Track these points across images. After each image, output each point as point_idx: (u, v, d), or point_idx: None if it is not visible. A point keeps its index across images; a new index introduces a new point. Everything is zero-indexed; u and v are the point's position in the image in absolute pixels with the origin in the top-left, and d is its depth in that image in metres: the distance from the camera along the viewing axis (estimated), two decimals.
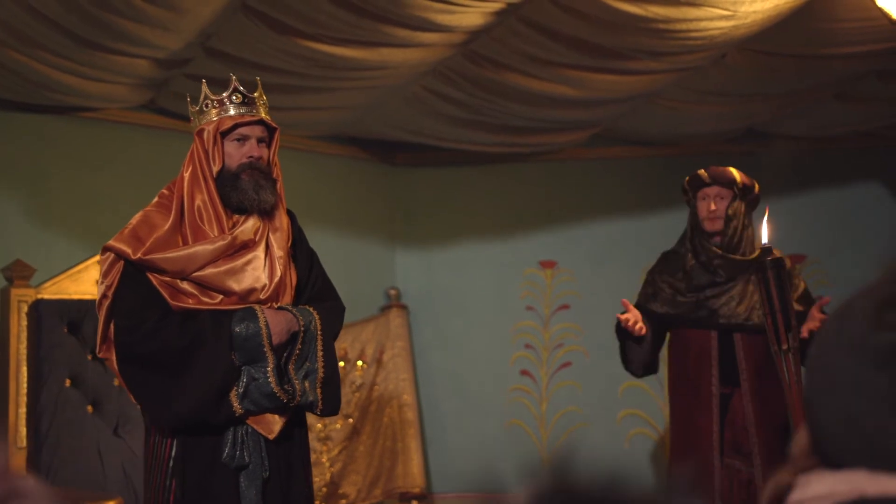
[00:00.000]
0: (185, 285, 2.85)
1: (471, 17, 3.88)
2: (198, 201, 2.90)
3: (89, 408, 4.32)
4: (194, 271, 2.84)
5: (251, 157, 2.92)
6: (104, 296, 2.86)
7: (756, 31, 4.06)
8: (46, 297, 4.29)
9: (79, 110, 4.71)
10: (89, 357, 4.36)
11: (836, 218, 5.81)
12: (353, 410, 5.59)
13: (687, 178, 3.91)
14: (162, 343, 2.79)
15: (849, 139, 5.84)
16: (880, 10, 3.64)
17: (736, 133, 5.87)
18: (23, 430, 4.13)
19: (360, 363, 5.67)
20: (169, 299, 2.83)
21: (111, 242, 2.89)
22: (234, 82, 2.97)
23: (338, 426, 5.51)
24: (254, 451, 2.85)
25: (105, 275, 2.88)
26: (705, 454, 3.72)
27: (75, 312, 4.33)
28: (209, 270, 2.84)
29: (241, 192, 2.89)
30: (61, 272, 4.42)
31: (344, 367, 5.61)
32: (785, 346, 3.16)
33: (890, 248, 5.73)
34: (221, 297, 2.86)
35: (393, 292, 5.99)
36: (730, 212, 3.76)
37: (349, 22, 3.85)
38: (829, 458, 0.93)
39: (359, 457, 5.57)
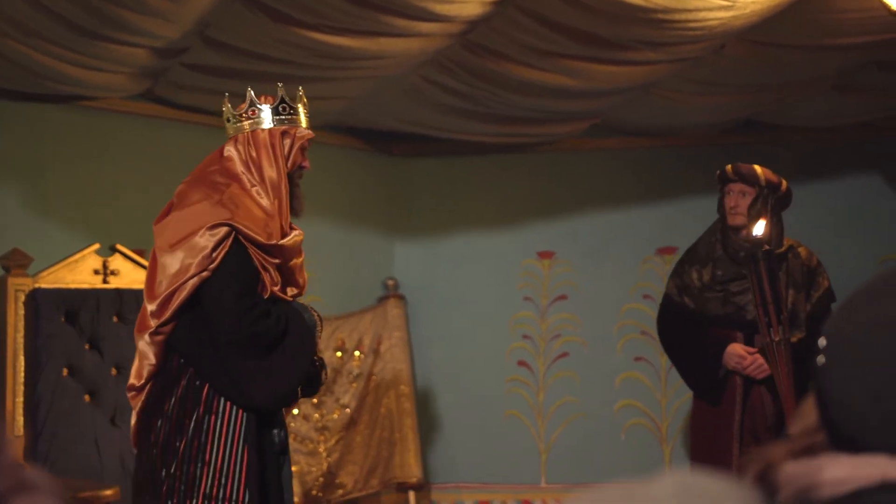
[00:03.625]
0: (275, 274, 3.03)
1: (470, 6, 3.87)
2: (281, 196, 3.08)
3: (86, 397, 4.31)
4: (289, 261, 3.06)
5: (305, 167, 3.15)
6: (203, 269, 2.91)
7: (755, 21, 4.05)
8: (44, 286, 4.29)
9: (76, 99, 4.70)
10: (86, 346, 4.35)
11: (835, 209, 5.81)
12: (350, 400, 5.59)
13: (718, 171, 3.96)
14: (271, 325, 2.96)
15: (849, 130, 5.84)
16: (879, 0, 3.63)
17: (735, 124, 5.86)
18: (20, 420, 4.13)
19: (357, 353, 5.67)
20: (268, 285, 3.01)
21: (238, 223, 2.94)
22: (303, 94, 3.16)
23: (335, 416, 5.51)
24: (285, 435, 3.11)
25: (213, 249, 2.92)
26: (725, 442, 3.76)
27: (73, 301, 4.33)
28: (295, 262, 3.08)
29: (296, 199, 3.13)
30: (59, 261, 4.41)
31: (341, 357, 5.61)
32: (777, 338, 3.18)
33: (891, 238, 5.73)
34: (290, 289, 3.10)
35: (391, 282, 5.99)
36: (752, 211, 3.79)
37: (348, 11, 3.84)
38: (846, 437, 0.91)
39: (356, 447, 5.57)
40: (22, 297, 4.23)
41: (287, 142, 3.09)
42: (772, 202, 3.86)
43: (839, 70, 4.87)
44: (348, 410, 5.57)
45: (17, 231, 4.46)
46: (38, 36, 3.89)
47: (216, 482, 2.94)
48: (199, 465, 2.96)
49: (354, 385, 5.64)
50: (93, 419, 4.28)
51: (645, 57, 4.48)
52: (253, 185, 3.05)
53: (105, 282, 4.49)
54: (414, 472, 5.67)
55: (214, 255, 2.92)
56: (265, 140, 3.07)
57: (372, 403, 5.70)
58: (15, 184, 4.58)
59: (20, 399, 4.16)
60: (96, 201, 4.77)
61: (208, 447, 2.96)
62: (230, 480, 2.95)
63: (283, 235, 3.06)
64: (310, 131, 3.14)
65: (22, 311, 4.22)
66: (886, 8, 3.63)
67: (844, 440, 0.91)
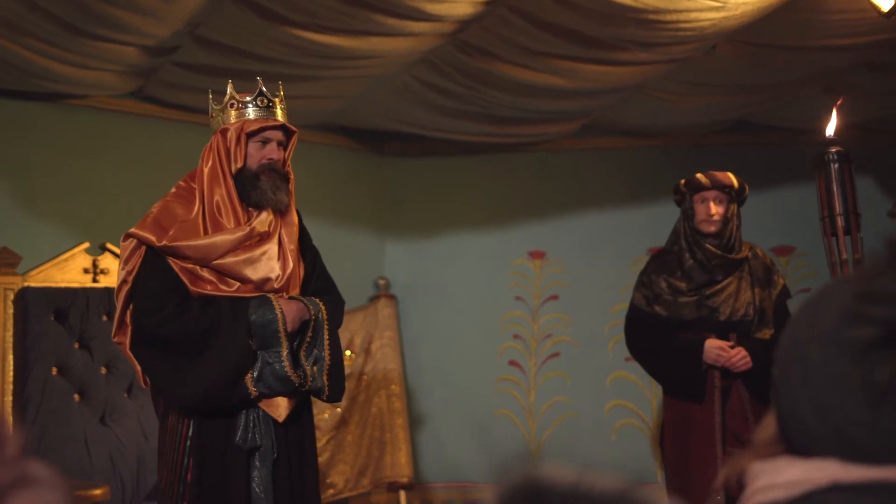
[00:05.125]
0: (205, 272, 3.01)
1: (461, 6, 3.87)
2: (216, 196, 3.07)
3: (76, 396, 4.30)
4: (215, 259, 3.01)
5: (270, 159, 3.10)
6: (124, 281, 3.02)
7: (746, 22, 4.06)
8: (33, 284, 4.27)
9: (66, 97, 4.69)
10: (76, 345, 4.34)
11: None
12: (340, 401, 5.59)
13: (683, 180, 3.97)
14: (182, 326, 2.95)
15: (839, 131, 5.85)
16: (869, 2, 3.64)
17: (726, 124, 5.88)
18: (9, 419, 4.11)
19: (348, 353, 5.67)
20: (189, 285, 2.99)
21: (134, 230, 3.03)
22: (260, 85, 3.11)
23: (326, 416, 5.50)
24: (265, 433, 3.01)
25: (126, 261, 3.03)
26: (707, 445, 3.78)
27: (62, 300, 4.32)
28: (229, 259, 3.01)
29: (259, 192, 3.07)
30: (48, 260, 4.40)
31: None
32: (844, 257, 2.78)
33: (877, 241, 5.73)
34: (238, 284, 3.04)
35: (382, 282, 5.99)
36: (728, 215, 3.88)
37: (339, 10, 3.84)
38: (798, 447, 0.95)
39: (347, 446, 5.57)
40: (11, 296, 4.21)
41: (231, 137, 3.07)
42: (737, 205, 3.96)
43: (829, 71, 4.88)
44: (339, 410, 5.56)
45: (6, 229, 4.45)
46: (28, 33, 3.87)
47: (167, 480, 3.00)
48: (161, 462, 3.05)
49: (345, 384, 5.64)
50: (82, 418, 4.27)
51: (636, 57, 4.48)
52: (192, 188, 3.10)
53: (95, 281, 4.48)
54: (404, 472, 5.67)
55: (128, 266, 3.02)
56: (210, 142, 3.12)
57: (363, 403, 5.69)
58: (4, 182, 4.56)
59: (9, 398, 4.15)
60: (86, 200, 4.75)
61: (166, 447, 3.02)
62: (177, 478, 2.97)
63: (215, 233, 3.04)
64: (243, 122, 3.07)
65: (11, 310, 4.20)
66: (876, 9, 3.64)
67: (797, 449, 0.95)
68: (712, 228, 3.88)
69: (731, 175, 3.96)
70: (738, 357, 3.78)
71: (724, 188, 3.91)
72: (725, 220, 3.89)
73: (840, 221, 2.65)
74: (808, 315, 0.96)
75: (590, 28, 4.13)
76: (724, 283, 3.89)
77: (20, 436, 0.87)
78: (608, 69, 4.64)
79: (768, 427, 1.00)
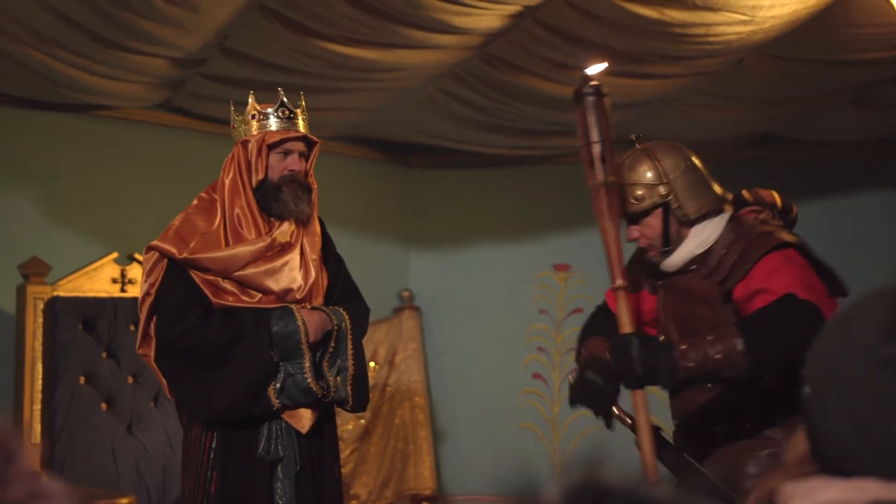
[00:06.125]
0: (227, 284, 3.01)
1: (487, 19, 3.88)
2: (237, 208, 3.07)
3: (103, 405, 4.33)
4: (236, 271, 3.00)
5: (292, 170, 3.09)
6: (147, 293, 3.03)
7: (774, 36, 4.05)
8: (62, 294, 4.31)
9: (96, 109, 4.73)
10: (104, 355, 4.38)
11: (850, 224, 5.78)
12: (364, 412, 5.60)
13: (730, 196, 4.01)
14: (203, 338, 2.95)
15: (865, 145, 5.82)
16: None
17: (752, 138, 5.85)
18: (37, 427, 4.15)
19: (372, 364, 5.68)
20: (211, 297, 2.99)
21: (156, 242, 3.04)
22: (282, 96, 3.11)
23: (349, 427, 5.51)
24: (287, 445, 3.00)
25: (148, 273, 3.04)
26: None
27: (91, 310, 4.35)
28: (250, 270, 3.01)
29: (281, 204, 3.07)
30: (77, 270, 4.44)
31: None
32: (601, 179, 3.08)
33: None
34: (260, 295, 3.03)
35: (406, 294, 6.00)
36: None
37: (365, 23, 3.86)
38: (834, 465, 0.92)
39: (370, 458, 5.57)
40: (40, 305, 4.25)
41: (252, 149, 3.06)
42: (783, 225, 3.94)
43: (857, 85, 4.85)
44: (363, 421, 5.57)
45: (36, 239, 4.49)
46: (58, 45, 3.91)
47: (191, 491, 3.01)
48: (185, 473, 3.06)
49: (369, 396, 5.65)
50: (109, 427, 4.30)
51: (662, 71, 4.48)
52: (213, 199, 3.10)
53: (123, 290, 4.52)
54: (428, 484, 5.66)
55: (151, 278, 3.02)
56: (231, 153, 3.12)
57: (386, 414, 5.70)
58: (34, 192, 4.61)
59: (38, 407, 4.18)
60: (115, 210, 4.80)
61: (190, 458, 3.02)
62: (201, 490, 2.98)
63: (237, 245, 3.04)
64: (265, 133, 3.05)
65: (40, 319, 4.24)
66: None
67: (833, 467, 0.92)
68: None
69: (774, 193, 3.96)
70: None
71: (765, 205, 3.93)
72: None
73: (597, 148, 2.92)
74: (839, 329, 0.94)
75: (616, 41, 4.13)
76: None
77: (33, 451, 0.88)
78: (634, 83, 4.64)
79: (799, 445, 0.97)
